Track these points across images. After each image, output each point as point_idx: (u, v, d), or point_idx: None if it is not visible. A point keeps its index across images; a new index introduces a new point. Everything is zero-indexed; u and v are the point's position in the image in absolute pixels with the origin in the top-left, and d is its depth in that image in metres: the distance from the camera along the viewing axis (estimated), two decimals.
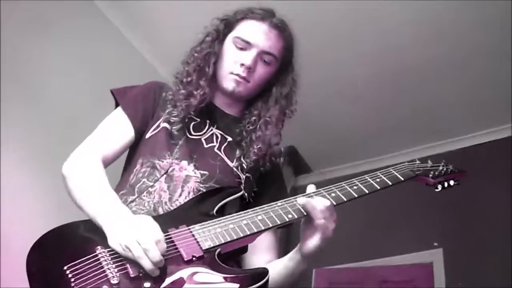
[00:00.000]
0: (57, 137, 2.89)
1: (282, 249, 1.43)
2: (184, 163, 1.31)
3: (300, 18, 3.27)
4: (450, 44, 3.31)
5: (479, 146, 3.95)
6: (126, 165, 1.40)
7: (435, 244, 3.66)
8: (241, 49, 1.40)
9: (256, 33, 1.40)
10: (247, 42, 1.39)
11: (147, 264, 0.98)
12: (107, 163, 1.31)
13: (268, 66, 1.42)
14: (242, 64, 1.38)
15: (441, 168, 1.41)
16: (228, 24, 1.45)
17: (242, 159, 1.37)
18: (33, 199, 2.67)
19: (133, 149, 1.39)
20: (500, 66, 3.34)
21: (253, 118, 1.41)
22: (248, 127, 1.40)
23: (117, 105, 1.43)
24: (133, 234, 1.01)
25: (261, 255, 1.32)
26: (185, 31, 3.55)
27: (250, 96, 1.45)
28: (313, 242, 1.16)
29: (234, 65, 1.39)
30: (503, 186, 3.52)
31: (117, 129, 1.38)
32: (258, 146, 1.35)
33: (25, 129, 2.76)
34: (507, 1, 2.91)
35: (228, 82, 1.40)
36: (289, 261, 1.25)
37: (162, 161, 1.31)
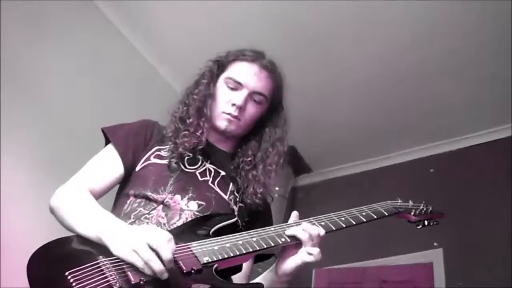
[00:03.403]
0: (57, 137, 2.90)
1: None
2: (178, 197, 1.34)
3: (302, 19, 3.30)
4: (451, 45, 3.31)
5: (479, 146, 3.95)
6: (117, 198, 1.42)
7: (435, 244, 3.66)
8: (233, 89, 1.47)
9: (247, 74, 1.47)
10: (238, 83, 1.46)
11: (157, 266, 0.99)
12: (94, 196, 1.31)
13: (259, 105, 1.49)
14: (233, 104, 1.44)
15: (421, 207, 1.55)
16: (220, 65, 1.52)
17: (235, 193, 1.43)
18: (33, 200, 2.67)
19: (124, 182, 1.41)
20: (501, 66, 3.34)
21: (249, 158, 1.48)
22: (243, 166, 1.47)
23: (107, 142, 1.45)
24: (142, 236, 1.03)
25: (238, 279, 1.35)
26: (185, 31, 3.60)
27: (241, 134, 1.51)
28: (296, 262, 1.23)
29: (226, 105, 1.46)
30: (503, 186, 3.52)
31: (106, 165, 1.40)
32: (259, 190, 1.42)
33: (25, 129, 2.76)
34: (508, 1, 2.91)
35: (221, 121, 1.46)
36: (263, 280, 1.31)
37: (156, 195, 1.33)
